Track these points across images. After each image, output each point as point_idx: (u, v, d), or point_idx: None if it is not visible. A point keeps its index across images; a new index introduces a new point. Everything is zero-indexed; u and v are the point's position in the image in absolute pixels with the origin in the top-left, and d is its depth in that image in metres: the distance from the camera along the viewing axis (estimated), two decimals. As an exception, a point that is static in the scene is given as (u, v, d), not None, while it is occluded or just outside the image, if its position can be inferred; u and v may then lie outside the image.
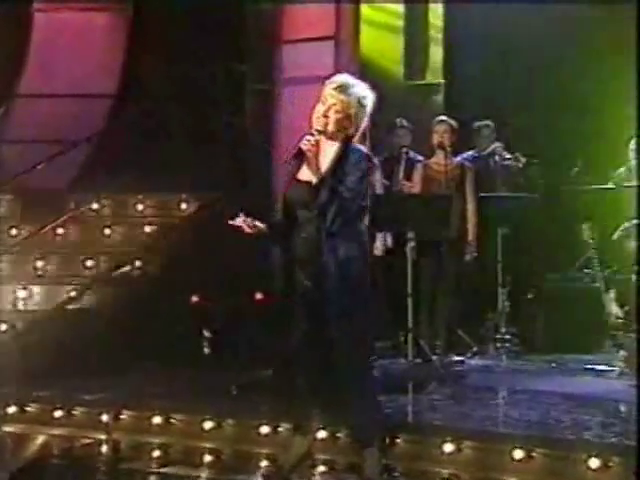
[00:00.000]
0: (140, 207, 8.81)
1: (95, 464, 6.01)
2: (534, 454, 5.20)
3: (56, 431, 6.39)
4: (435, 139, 7.98)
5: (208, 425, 6.03)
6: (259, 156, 8.88)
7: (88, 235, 8.58)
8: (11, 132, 9.67)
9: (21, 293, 7.96)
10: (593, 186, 8.25)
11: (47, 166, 8.47)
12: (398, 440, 5.50)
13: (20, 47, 9.92)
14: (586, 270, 8.70)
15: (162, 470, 5.87)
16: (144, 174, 8.57)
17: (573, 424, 5.64)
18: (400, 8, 10.18)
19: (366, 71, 8.21)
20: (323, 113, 5.08)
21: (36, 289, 8.05)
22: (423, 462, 5.43)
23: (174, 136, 9.09)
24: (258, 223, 5.10)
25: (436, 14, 10.29)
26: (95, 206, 8.73)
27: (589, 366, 7.50)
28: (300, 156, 5.12)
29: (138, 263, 8.15)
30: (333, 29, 8.39)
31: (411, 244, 7.45)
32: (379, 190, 8.01)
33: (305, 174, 5.11)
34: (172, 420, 6.19)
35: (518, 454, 5.21)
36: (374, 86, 5.29)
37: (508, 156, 8.63)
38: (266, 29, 8.87)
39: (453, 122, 8.04)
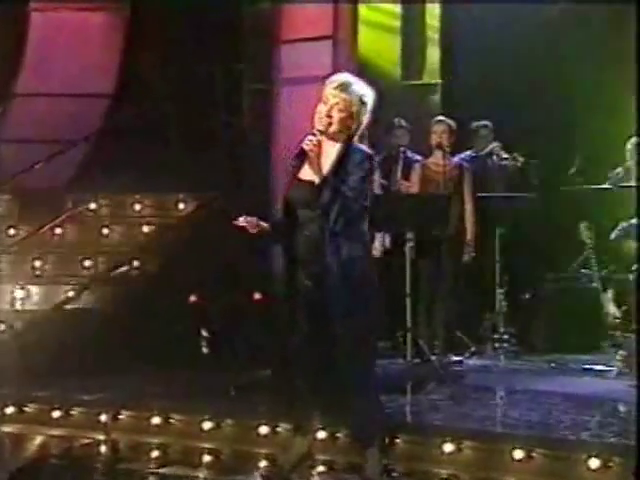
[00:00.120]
0: (138, 207, 8.79)
1: (94, 464, 5.99)
2: (534, 454, 5.20)
3: (55, 431, 6.38)
4: (433, 139, 7.96)
5: (207, 425, 6.02)
6: (257, 156, 8.86)
7: (86, 235, 8.57)
8: (8, 131, 9.65)
9: (19, 293, 7.95)
10: (591, 186, 8.28)
11: (45, 166, 8.47)
12: (398, 440, 5.50)
13: (17, 46, 9.90)
14: (584, 270, 8.72)
15: (161, 470, 5.86)
16: (142, 174, 8.56)
17: (573, 424, 5.64)
18: (397, 9, 10.19)
19: (364, 71, 8.19)
20: (326, 113, 5.09)
21: (34, 289, 8.05)
22: (423, 462, 5.43)
23: (172, 136, 9.08)
24: (262, 223, 5.10)
25: (433, 14, 10.30)
26: (93, 206, 8.71)
27: (588, 366, 7.50)
28: (301, 156, 5.13)
29: (136, 263, 8.14)
30: (331, 29, 8.37)
31: (410, 244, 7.45)
32: (377, 190, 8.00)
33: (307, 174, 5.11)
34: (171, 420, 6.18)
35: (518, 454, 5.21)
36: (372, 86, 5.29)
37: (506, 156, 8.64)
38: (264, 29, 8.84)
39: (451, 122, 8.03)
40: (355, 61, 8.48)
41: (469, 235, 7.99)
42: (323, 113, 5.09)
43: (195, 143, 8.93)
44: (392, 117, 8.67)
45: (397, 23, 10.17)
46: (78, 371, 6.96)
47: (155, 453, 6.03)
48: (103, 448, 6.16)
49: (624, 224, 8.21)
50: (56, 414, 6.43)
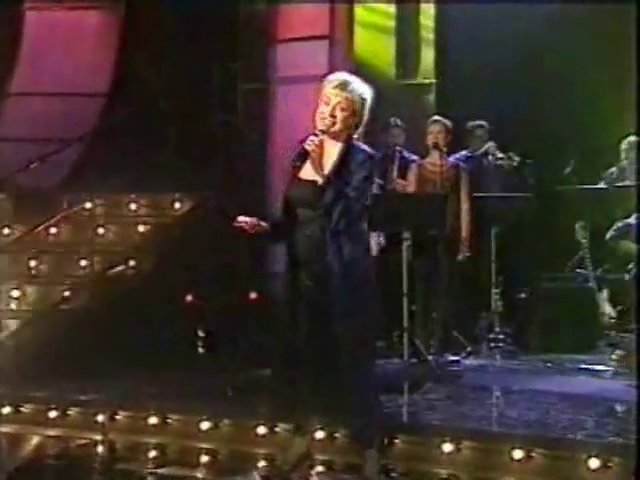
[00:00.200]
0: (133, 206, 8.77)
1: (91, 465, 5.96)
2: (533, 454, 5.20)
3: (51, 432, 6.37)
4: (430, 139, 7.97)
5: (205, 425, 6.01)
6: (253, 155, 8.87)
7: (81, 235, 8.55)
8: (2, 131, 9.61)
9: (14, 293, 7.91)
10: (586, 186, 8.29)
11: (40, 165, 8.43)
12: (397, 440, 5.50)
13: (11, 45, 9.87)
14: (579, 270, 8.73)
15: (159, 471, 5.84)
16: (137, 173, 8.54)
17: (572, 424, 5.64)
18: (392, 9, 10.18)
19: (359, 71, 8.20)
20: (330, 113, 5.09)
21: (29, 289, 8.01)
22: (422, 462, 5.43)
23: (167, 135, 9.06)
24: (262, 223, 5.09)
25: (427, 15, 10.30)
26: (88, 205, 8.68)
27: (584, 366, 7.50)
28: (302, 156, 5.12)
29: (132, 263, 8.11)
30: (328, 28, 8.39)
31: (406, 244, 7.44)
32: (375, 190, 8.00)
33: (309, 174, 5.11)
34: (168, 420, 6.17)
35: (517, 454, 5.20)
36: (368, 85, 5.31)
37: (501, 156, 8.63)
38: (260, 28, 8.85)
39: (448, 122, 8.03)
40: (351, 60, 8.49)
41: (464, 233, 7.99)
42: (326, 113, 5.09)
43: (191, 142, 8.91)
44: (387, 116, 8.66)
45: (391, 23, 10.16)
46: (74, 371, 6.92)
47: (153, 453, 6.01)
48: (100, 448, 6.13)
49: (619, 224, 8.24)
50: (53, 414, 6.41)
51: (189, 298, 7.92)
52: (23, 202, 8.73)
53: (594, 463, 5.02)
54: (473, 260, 8.13)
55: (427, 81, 10.22)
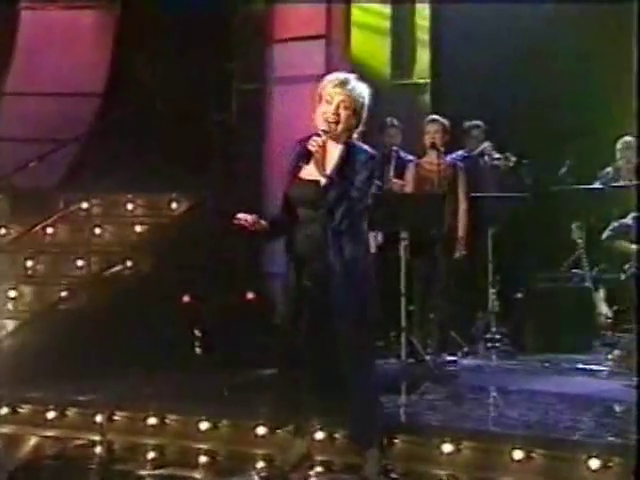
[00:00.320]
0: (130, 206, 8.75)
1: (89, 465, 5.95)
2: (533, 454, 5.20)
3: (49, 432, 6.34)
4: (427, 139, 7.95)
5: (204, 426, 6.00)
6: (250, 155, 8.86)
7: (78, 235, 8.50)
8: (-2, 130, 9.61)
9: (11, 293, 7.89)
10: (582, 186, 8.31)
11: (36, 165, 8.41)
12: (396, 441, 5.50)
13: (7, 45, 9.84)
14: (575, 270, 8.75)
15: (157, 472, 5.83)
16: (133, 173, 8.52)
17: (571, 424, 5.64)
18: (387, 9, 10.19)
19: (355, 72, 8.19)
20: (334, 112, 5.09)
21: (26, 289, 7.99)
22: (422, 463, 5.43)
23: (163, 135, 9.04)
24: (262, 221, 5.09)
25: (422, 15, 10.31)
26: (85, 205, 8.65)
27: (581, 366, 7.50)
28: (303, 156, 5.10)
29: (129, 263, 8.09)
30: (324, 28, 8.39)
31: (404, 243, 7.44)
32: (373, 190, 7.98)
33: (311, 174, 5.11)
34: (167, 421, 6.15)
35: (517, 454, 5.21)
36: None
37: (497, 156, 8.64)
38: (257, 28, 8.84)
39: (445, 121, 8.02)
40: (348, 60, 8.50)
41: (461, 233, 7.99)
42: (330, 112, 5.09)
43: (187, 142, 8.88)
44: (383, 116, 8.66)
45: (387, 24, 10.17)
46: (72, 372, 6.90)
47: (151, 454, 5.99)
48: (99, 449, 6.11)
49: (615, 224, 8.26)
50: (51, 415, 6.39)
51: (186, 298, 7.92)
52: (19, 202, 8.71)
53: (594, 463, 5.03)
54: (470, 260, 8.13)
55: (422, 81, 10.24)
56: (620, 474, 5.01)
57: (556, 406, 6.14)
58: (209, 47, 9.21)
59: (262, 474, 5.59)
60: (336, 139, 5.14)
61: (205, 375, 7.21)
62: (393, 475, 5.34)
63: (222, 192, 8.58)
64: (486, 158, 8.60)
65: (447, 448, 5.38)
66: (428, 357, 7.59)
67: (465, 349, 8.13)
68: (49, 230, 8.49)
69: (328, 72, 5.51)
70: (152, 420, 6.15)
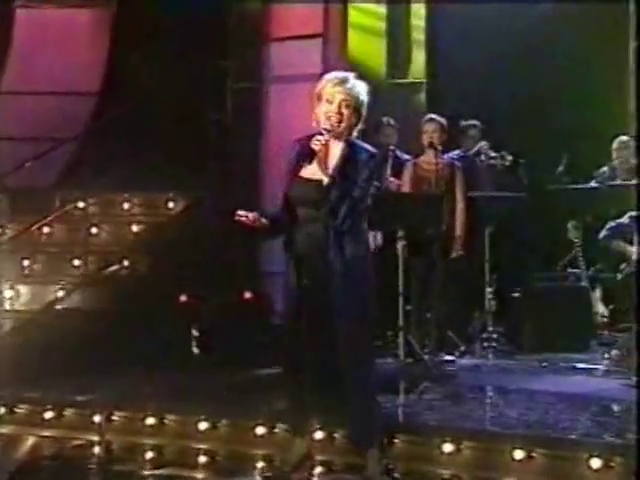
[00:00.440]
0: (127, 206, 8.72)
1: (87, 466, 5.94)
2: (534, 454, 5.21)
3: (47, 432, 6.32)
4: (425, 138, 7.93)
5: (203, 426, 5.98)
6: (247, 154, 8.85)
7: (75, 234, 8.48)
8: (-7, 129, 9.58)
9: (8, 293, 7.87)
10: (579, 185, 8.32)
11: (32, 164, 8.39)
12: (397, 441, 5.49)
13: (2, 44, 9.82)
14: (572, 269, 8.76)
15: (156, 472, 5.81)
16: (130, 172, 8.50)
17: (571, 424, 5.64)
18: (382, 9, 10.20)
19: (351, 70, 8.20)
20: (336, 110, 5.09)
21: (23, 289, 7.97)
22: (422, 463, 5.43)
23: (160, 134, 9.02)
24: (262, 219, 5.07)
25: (418, 15, 10.32)
26: (82, 205, 8.64)
27: (578, 365, 7.51)
28: (304, 155, 5.08)
29: (126, 262, 8.06)
30: (321, 27, 8.39)
31: (402, 243, 7.44)
32: (372, 189, 7.98)
33: (312, 173, 5.10)
34: (165, 421, 6.13)
35: (518, 454, 5.21)
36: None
37: (494, 155, 8.64)
38: (254, 27, 8.84)
39: (442, 121, 8.00)
40: (345, 59, 8.51)
41: (458, 232, 7.99)
42: (332, 112, 5.08)
43: (184, 141, 8.87)
44: (380, 116, 8.66)
45: (382, 24, 10.18)
46: (69, 371, 6.88)
47: (150, 454, 5.98)
48: (97, 449, 6.10)
49: (612, 223, 8.28)
50: (48, 415, 6.37)
51: (184, 298, 7.91)
52: (16, 201, 8.68)
53: (595, 463, 5.03)
54: (467, 259, 8.13)
55: (418, 81, 10.25)
56: (621, 473, 5.01)
57: (555, 405, 6.14)
58: (205, 46, 9.19)
59: (263, 474, 5.59)
60: (337, 138, 5.13)
61: (204, 375, 7.19)
62: (395, 475, 5.33)
63: (219, 191, 8.57)
64: (482, 157, 8.59)
65: (448, 448, 5.38)
66: (426, 357, 7.58)
67: (462, 348, 8.13)
68: (46, 229, 8.45)
69: (325, 71, 5.50)
70: (151, 420, 6.12)
